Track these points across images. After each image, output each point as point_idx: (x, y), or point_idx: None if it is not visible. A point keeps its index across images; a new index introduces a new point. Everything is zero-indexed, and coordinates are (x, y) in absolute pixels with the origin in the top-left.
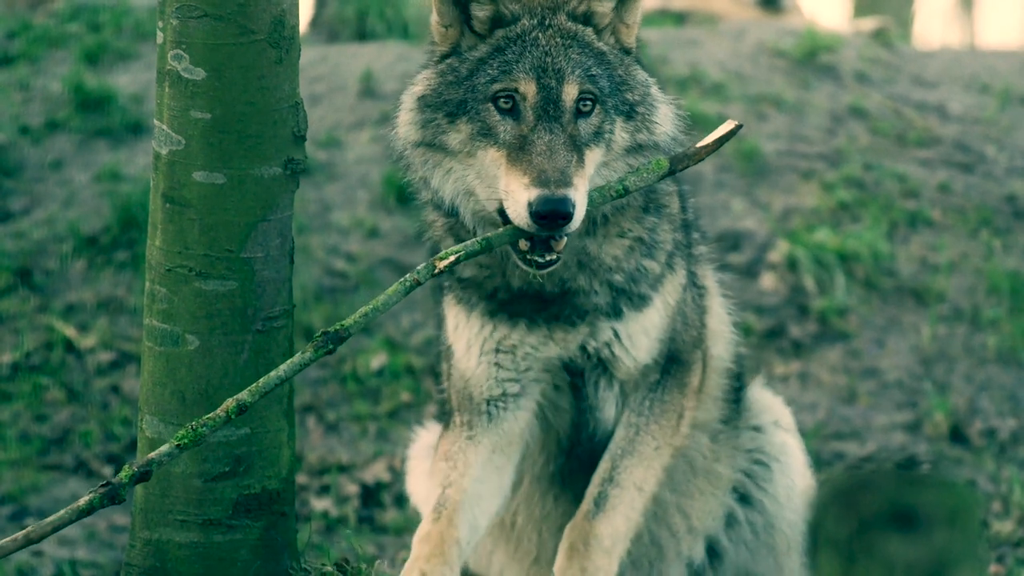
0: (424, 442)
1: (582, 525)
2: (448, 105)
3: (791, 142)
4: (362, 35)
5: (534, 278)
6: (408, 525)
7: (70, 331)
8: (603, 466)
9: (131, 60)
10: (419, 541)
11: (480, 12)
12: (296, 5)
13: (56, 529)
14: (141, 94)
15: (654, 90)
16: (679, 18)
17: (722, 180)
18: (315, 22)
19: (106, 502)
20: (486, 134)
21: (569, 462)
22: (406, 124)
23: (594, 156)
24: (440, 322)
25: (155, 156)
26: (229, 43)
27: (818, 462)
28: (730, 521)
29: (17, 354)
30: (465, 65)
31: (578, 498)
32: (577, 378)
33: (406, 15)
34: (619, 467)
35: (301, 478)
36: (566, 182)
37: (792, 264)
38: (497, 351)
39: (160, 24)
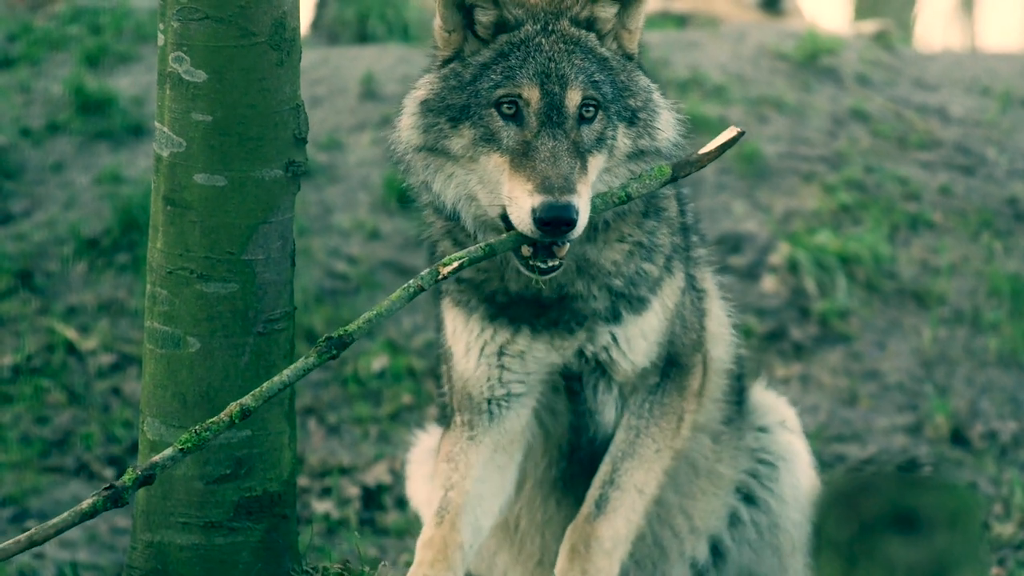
0: (424, 446)
1: (583, 527)
2: (451, 110)
3: (792, 144)
4: (363, 37)
5: (535, 283)
6: (409, 527)
7: (71, 333)
8: (604, 468)
9: (132, 62)
10: (422, 546)
11: (484, 17)
12: (297, 7)
13: (59, 532)
14: (142, 96)
15: (656, 96)
16: (680, 20)
17: (723, 182)
18: (316, 24)
19: (109, 505)
20: (489, 139)
21: (570, 466)
22: (408, 128)
23: (597, 162)
24: (439, 324)
25: (156, 158)
26: (230, 45)
27: (819, 464)
28: (734, 521)
29: (18, 356)
30: (468, 70)
31: (580, 502)
32: (574, 382)
33: (407, 17)
34: (620, 469)
35: (302, 480)
36: (570, 189)
37: (793, 266)
38: (502, 354)
39: (161, 26)
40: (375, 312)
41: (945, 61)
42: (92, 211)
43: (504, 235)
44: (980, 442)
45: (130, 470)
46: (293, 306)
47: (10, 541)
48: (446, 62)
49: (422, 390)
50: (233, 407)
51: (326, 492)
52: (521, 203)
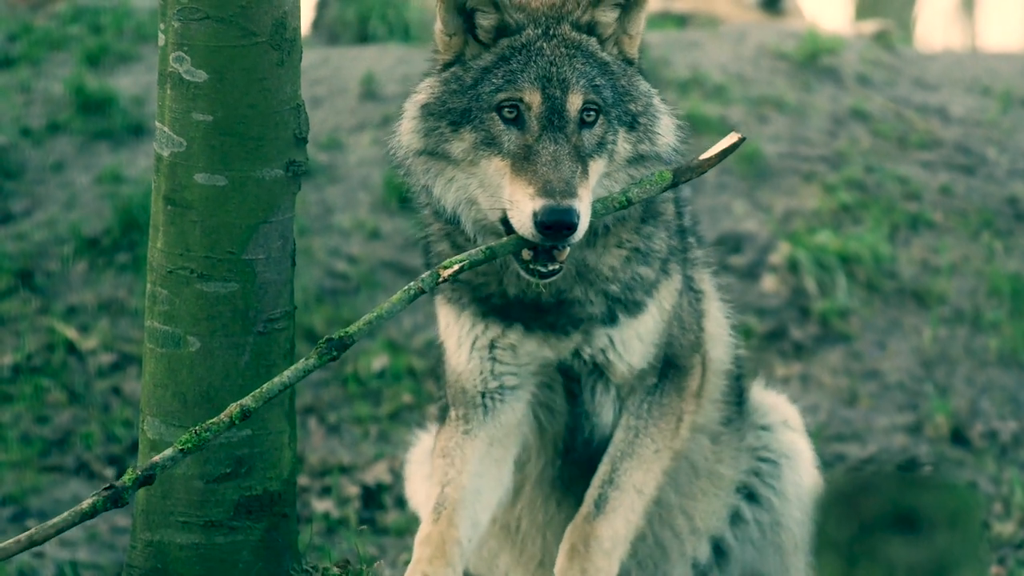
0: (424, 446)
1: (582, 527)
2: (452, 114)
3: (792, 144)
4: (363, 37)
5: (536, 286)
6: (409, 527)
7: (71, 333)
8: (603, 468)
9: (132, 62)
10: (420, 543)
11: (485, 21)
12: (298, 7)
13: (59, 531)
14: (142, 96)
15: (656, 101)
16: (681, 20)
17: (723, 182)
18: (316, 24)
19: (109, 505)
20: (490, 143)
21: (570, 467)
22: (408, 132)
23: (597, 166)
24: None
25: (156, 158)
26: (231, 45)
27: (819, 464)
28: (737, 519)
29: (18, 356)
30: (469, 74)
31: (580, 503)
32: (573, 383)
33: (407, 18)
34: (619, 469)
35: (302, 480)
36: (571, 193)
37: (793, 266)
38: (493, 347)
39: (161, 26)
40: (375, 314)
41: (945, 61)
42: (92, 211)
43: (505, 238)
44: (980, 441)
45: (130, 470)
46: (293, 306)
47: (10, 541)
48: (447, 66)
49: (422, 390)
50: (233, 408)
51: (326, 491)
52: (522, 207)
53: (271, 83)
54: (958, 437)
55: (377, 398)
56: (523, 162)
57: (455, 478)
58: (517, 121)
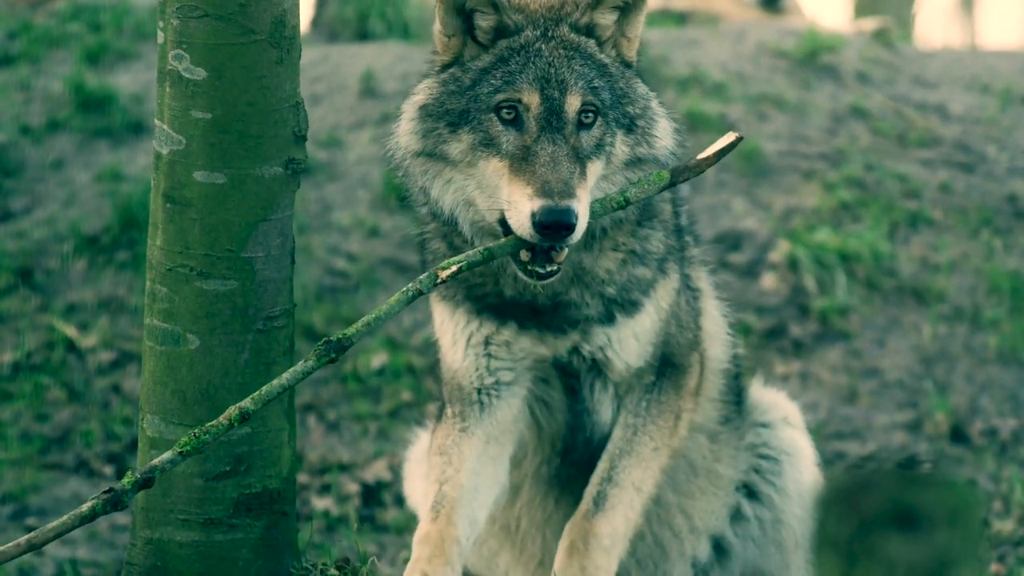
0: (423, 445)
1: (581, 524)
2: (450, 115)
3: (792, 142)
4: (363, 35)
5: (533, 288)
6: (409, 524)
7: (71, 331)
8: (602, 466)
9: (132, 60)
10: (419, 542)
11: (484, 22)
12: (297, 5)
13: (58, 535)
14: (142, 94)
15: (654, 103)
16: (680, 18)
17: (723, 180)
18: (316, 22)
19: (108, 508)
20: (488, 144)
21: (569, 467)
22: (407, 133)
23: (595, 168)
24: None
25: (156, 156)
26: (230, 43)
27: (819, 461)
28: (737, 517)
29: (18, 353)
30: (468, 75)
31: (579, 502)
32: (572, 380)
33: (407, 15)
34: (617, 467)
35: (302, 477)
36: (569, 193)
37: (793, 264)
38: (488, 343)
39: (161, 24)
40: (373, 315)
41: (945, 59)
42: (92, 208)
43: (503, 239)
44: (980, 439)
45: (129, 473)
46: (293, 303)
47: (9, 544)
48: (445, 67)
49: (422, 387)
50: (232, 410)
51: (326, 489)
52: (521, 207)
53: (270, 81)
54: (958, 435)
55: (377, 396)
56: (521, 163)
57: (453, 476)
58: (515, 122)
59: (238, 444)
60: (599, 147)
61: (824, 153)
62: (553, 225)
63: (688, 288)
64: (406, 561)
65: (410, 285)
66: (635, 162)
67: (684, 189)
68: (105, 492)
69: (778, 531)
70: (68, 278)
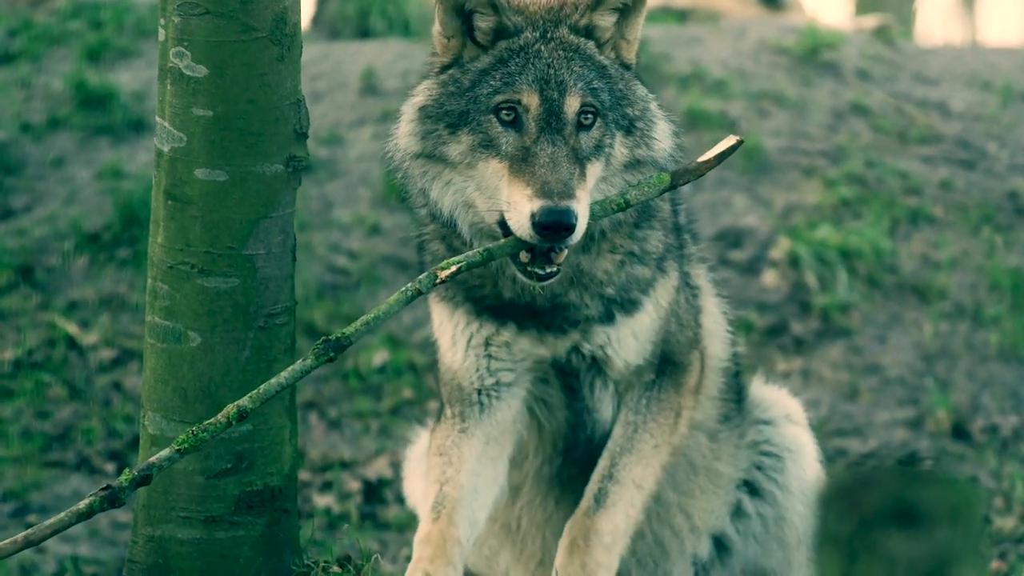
0: (422, 444)
1: (582, 521)
2: (449, 116)
3: (793, 139)
4: (364, 32)
5: (532, 289)
6: (410, 522)
7: (72, 328)
8: (602, 463)
9: (133, 57)
10: (420, 542)
11: (483, 23)
12: (298, 3)
13: (56, 532)
14: (143, 91)
15: (653, 106)
16: (681, 16)
17: (724, 177)
18: (317, 20)
19: (106, 506)
20: (487, 145)
21: (569, 466)
22: (406, 135)
23: (595, 170)
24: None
25: (157, 153)
26: (231, 40)
27: (821, 458)
28: (739, 514)
29: (19, 351)
30: (467, 76)
31: (579, 501)
32: (572, 379)
33: (407, 13)
34: (618, 464)
35: (303, 475)
36: (569, 194)
37: (794, 261)
38: (488, 344)
39: (162, 21)
40: (372, 315)
41: (946, 55)
42: (93, 206)
43: (502, 240)
44: (981, 436)
45: (127, 471)
46: (294, 301)
47: (7, 541)
48: (445, 68)
49: (423, 385)
50: (230, 408)
51: (327, 486)
52: (520, 208)
53: (271, 78)
54: (959, 432)
55: (378, 393)
56: (521, 164)
57: (453, 477)
58: (515, 123)
59: (239, 441)
60: (598, 148)
61: (825, 150)
62: (553, 226)
63: (687, 286)
64: (407, 559)
65: (409, 285)
66: (634, 164)
67: (684, 188)
68: (103, 489)
69: (780, 528)
70: (69, 275)
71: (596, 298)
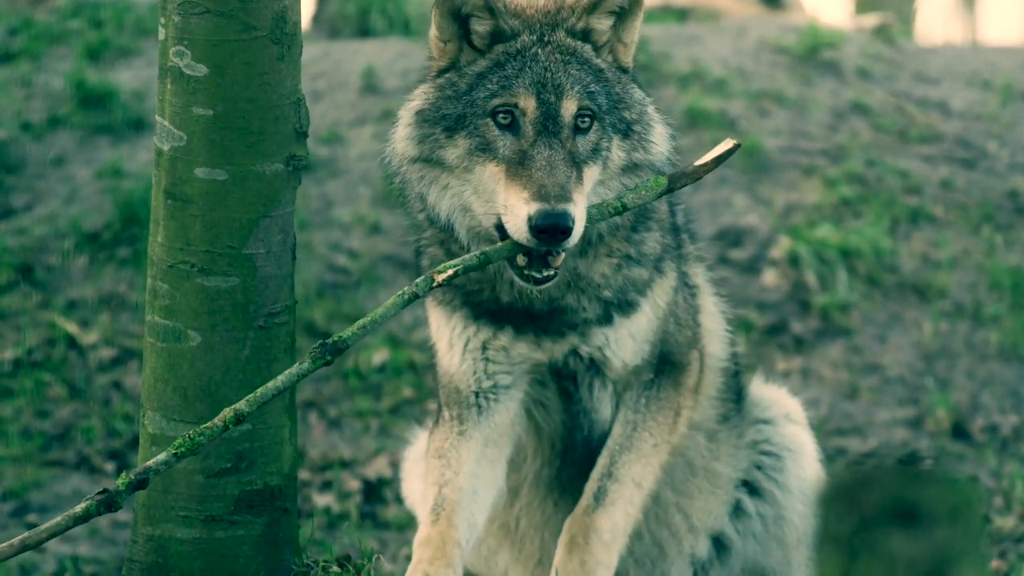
0: (421, 445)
1: (582, 519)
2: (446, 120)
3: (793, 138)
4: (364, 31)
5: (529, 293)
6: (410, 521)
7: (72, 327)
8: (602, 461)
9: (133, 56)
10: (420, 544)
11: (480, 27)
12: (298, 2)
13: (52, 535)
14: (143, 90)
15: (650, 109)
16: (681, 15)
17: (724, 176)
18: (317, 19)
19: (102, 509)
20: (485, 149)
21: (568, 467)
22: (403, 139)
23: (592, 173)
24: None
25: (157, 152)
26: (231, 39)
27: (821, 457)
28: (739, 513)
29: (19, 350)
30: (464, 80)
31: (578, 502)
32: (567, 382)
33: (407, 12)
34: (617, 462)
35: (303, 474)
36: (566, 197)
37: (794, 260)
38: (485, 348)
39: (162, 20)
40: (369, 319)
41: (946, 55)
42: (93, 205)
43: (499, 244)
44: (981, 435)
45: (123, 475)
46: (294, 300)
47: (3, 545)
48: (441, 72)
49: (423, 384)
50: (227, 412)
51: (327, 486)
52: (517, 211)
53: (271, 77)
54: (959, 431)
55: (378, 392)
56: (518, 167)
57: (452, 479)
58: (512, 127)
59: (239, 441)
60: (595, 152)
61: (825, 149)
62: (549, 229)
63: (686, 285)
64: (407, 558)
65: (406, 288)
66: (631, 167)
67: (682, 188)
68: (99, 493)
69: (780, 527)
70: (69, 275)
71: (594, 301)
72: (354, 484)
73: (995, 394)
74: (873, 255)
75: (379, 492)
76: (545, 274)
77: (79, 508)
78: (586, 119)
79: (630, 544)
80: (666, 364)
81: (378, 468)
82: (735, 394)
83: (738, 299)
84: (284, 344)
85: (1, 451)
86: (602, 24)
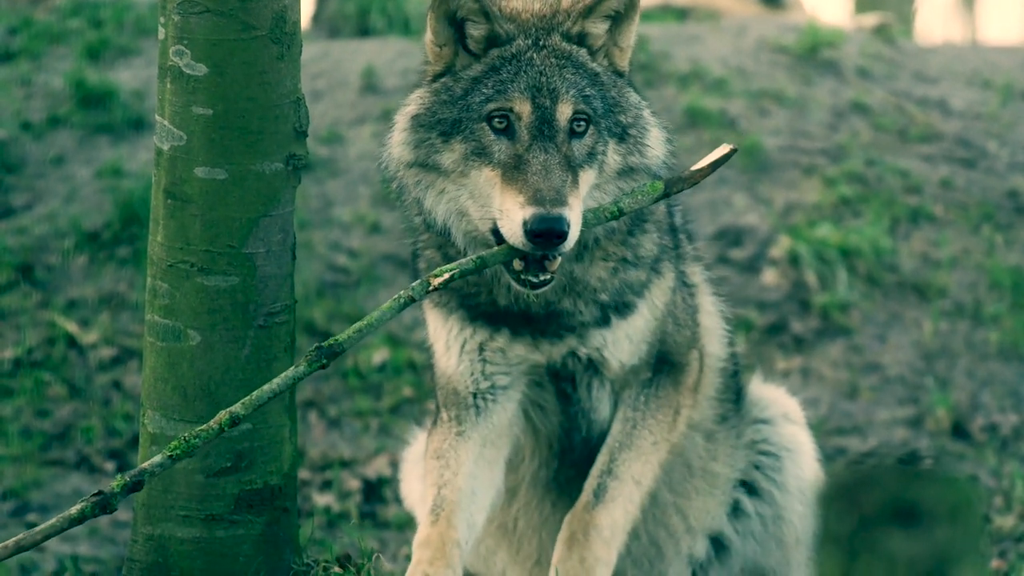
0: (420, 446)
1: (582, 515)
2: (442, 124)
3: (793, 138)
4: (363, 31)
5: (526, 297)
6: (410, 521)
7: (72, 327)
8: (601, 459)
9: (132, 56)
10: (419, 545)
11: (475, 31)
12: (297, 1)
13: (46, 537)
14: (143, 90)
15: (646, 113)
16: (681, 14)
17: (724, 176)
18: (316, 18)
19: (97, 511)
20: (480, 153)
21: (566, 468)
22: (399, 144)
23: (587, 177)
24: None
25: (157, 152)
26: (231, 39)
27: (820, 457)
28: (738, 513)
29: (19, 350)
30: (459, 84)
31: (575, 503)
32: (564, 383)
33: (407, 11)
34: (617, 460)
35: (303, 473)
36: (561, 201)
37: (794, 259)
38: (483, 349)
39: (161, 20)
40: (365, 322)
41: (946, 54)
42: (93, 204)
43: (495, 248)
44: (981, 435)
45: (119, 477)
46: (294, 299)
47: None
48: (437, 77)
49: (422, 383)
50: (223, 415)
51: (327, 485)
52: (513, 216)
53: (271, 77)
54: (959, 430)
55: (378, 392)
56: (513, 172)
57: (451, 480)
58: (507, 131)
59: (239, 440)
60: (591, 156)
61: (825, 149)
62: (545, 233)
63: (684, 284)
64: (407, 557)
65: (402, 292)
66: (627, 171)
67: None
68: (94, 495)
69: (779, 527)
70: (69, 274)
71: (590, 304)
72: (354, 483)
73: (995, 393)
74: (873, 254)
75: (379, 492)
76: (541, 278)
77: (74, 510)
78: (581, 123)
79: (628, 544)
80: (665, 363)
81: (378, 467)
82: (734, 394)
83: (738, 298)
84: (284, 343)
85: (1, 450)
86: (598, 28)
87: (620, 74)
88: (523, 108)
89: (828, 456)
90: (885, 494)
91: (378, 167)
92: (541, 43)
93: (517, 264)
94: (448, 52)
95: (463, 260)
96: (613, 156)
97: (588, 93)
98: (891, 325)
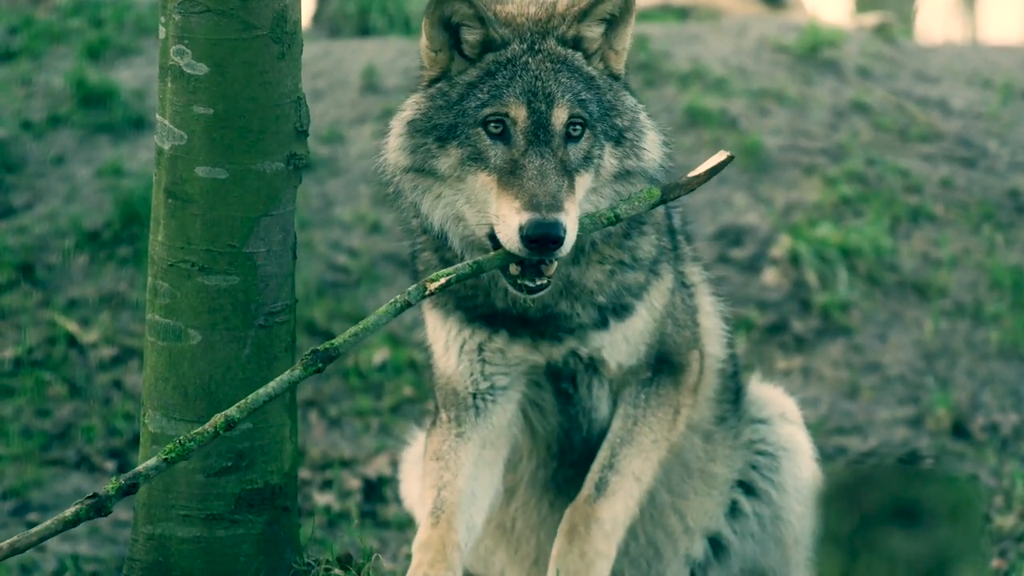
0: (419, 446)
1: (583, 508)
2: (438, 129)
3: (793, 137)
4: (364, 30)
5: (524, 301)
6: (410, 521)
7: (72, 326)
8: (602, 454)
9: (133, 55)
10: (419, 547)
11: (470, 36)
12: (298, 0)
13: (42, 539)
14: (143, 89)
15: (642, 116)
16: (681, 13)
17: (724, 175)
18: (317, 17)
19: (92, 514)
20: (476, 158)
21: (565, 469)
22: (395, 149)
23: (584, 181)
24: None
25: (157, 151)
26: (231, 38)
27: (820, 457)
28: (736, 513)
29: (19, 349)
30: (455, 89)
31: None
32: (565, 383)
33: (408, 10)
34: (618, 455)
35: (303, 473)
36: (557, 206)
37: (794, 259)
38: (481, 350)
39: (162, 19)
40: (361, 326)
41: (946, 53)
42: (93, 204)
43: (492, 253)
44: (981, 434)
45: (113, 479)
46: (294, 299)
47: None
48: (432, 82)
49: (423, 383)
50: (218, 418)
51: (327, 484)
52: (509, 221)
53: (272, 76)
54: (959, 430)
55: (378, 391)
56: (509, 177)
57: (451, 481)
58: (503, 136)
59: (240, 440)
60: (587, 160)
61: (825, 148)
62: (541, 239)
63: (683, 285)
64: (407, 557)
65: (398, 296)
66: (624, 175)
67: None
68: (89, 497)
69: (777, 527)
70: (69, 274)
71: (588, 307)
72: (354, 483)
73: (995, 393)
74: (873, 254)
75: (379, 491)
76: (538, 283)
77: (68, 512)
78: (577, 127)
79: (625, 545)
80: (665, 364)
81: (378, 467)
82: (733, 395)
83: (738, 298)
84: (285, 343)
85: (1, 450)
86: (593, 32)
87: (616, 77)
88: (519, 113)
89: (828, 456)
90: (885, 494)
91: (375, 171)
92: (536, 47)
93: (514, 269)
94: (443, 57)
95: (460, 264)
96: (609, 160)
97: (584, 97)
98: (891, 325)
